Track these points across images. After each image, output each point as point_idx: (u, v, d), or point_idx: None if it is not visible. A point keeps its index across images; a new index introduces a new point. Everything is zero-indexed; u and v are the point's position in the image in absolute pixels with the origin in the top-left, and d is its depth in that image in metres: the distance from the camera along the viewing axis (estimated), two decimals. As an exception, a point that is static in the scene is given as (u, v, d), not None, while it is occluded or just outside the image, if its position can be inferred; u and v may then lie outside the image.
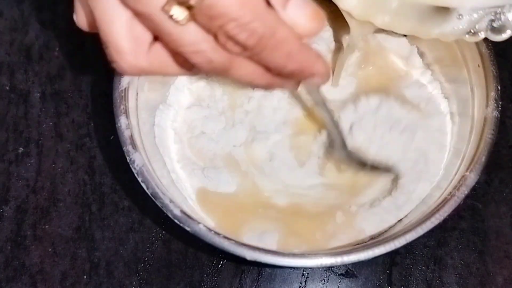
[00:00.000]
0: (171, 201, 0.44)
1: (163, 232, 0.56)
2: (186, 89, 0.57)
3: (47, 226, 0.57)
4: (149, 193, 0.45)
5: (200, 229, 0.43)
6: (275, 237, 0.51)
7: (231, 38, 0.33)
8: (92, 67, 0.62)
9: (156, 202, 0.45)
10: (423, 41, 0.57)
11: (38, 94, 0.61)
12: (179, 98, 0.57)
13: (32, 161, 0.59)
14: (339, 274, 0.55)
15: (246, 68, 0.36)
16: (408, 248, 0.56)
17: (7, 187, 0.58)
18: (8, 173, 0.59)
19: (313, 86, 0.46)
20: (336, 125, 0.52)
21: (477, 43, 0.49)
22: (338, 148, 0.53)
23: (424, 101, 0.57)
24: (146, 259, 0.55)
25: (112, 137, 0.58)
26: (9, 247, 0.56)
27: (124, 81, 0.48)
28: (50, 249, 0.56)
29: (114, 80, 0.48)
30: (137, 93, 0.50)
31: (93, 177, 0.58)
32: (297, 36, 0.36)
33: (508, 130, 0.60)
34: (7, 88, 0.62)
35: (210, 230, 0.43)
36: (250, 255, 0.42)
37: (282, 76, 0.37)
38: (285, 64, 0.36)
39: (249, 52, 0.34)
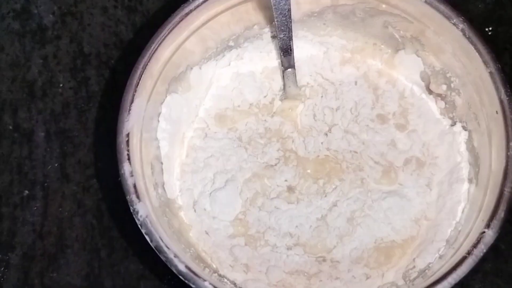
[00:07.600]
0: (175, 255, 0.42)
1: (176, 278, 0.53)
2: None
3: (55, 274, 0.54)
4: (153, 246, 0.43)
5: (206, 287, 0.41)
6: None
7: None
8: (97, 104, 0.60)
9: (160, 256, 0.42)
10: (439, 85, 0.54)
11: (43, 134, 0.59)
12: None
13: (38, 204, 0.56)
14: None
15: None
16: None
17: (13, 232, 0.56)
18: (13, 218, 0.56)
19: None
20: None
21: (497, 89, 0.45)
22: None
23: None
24: (158, 308, 0.52)
25: (119, 178, 0.55)
26: (16, 298, 0.53)
27: (129, 124, 0.46)
28: (58, 299, 0.53)
29: (118, 124, 0.46)
30: (141, 134, 0.48)
31: (101, 221, 0.55)
32: None
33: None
34: (10, 127, 0.59)
35: (216, 288, 0.40)
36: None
37: None
38: None
39: None
